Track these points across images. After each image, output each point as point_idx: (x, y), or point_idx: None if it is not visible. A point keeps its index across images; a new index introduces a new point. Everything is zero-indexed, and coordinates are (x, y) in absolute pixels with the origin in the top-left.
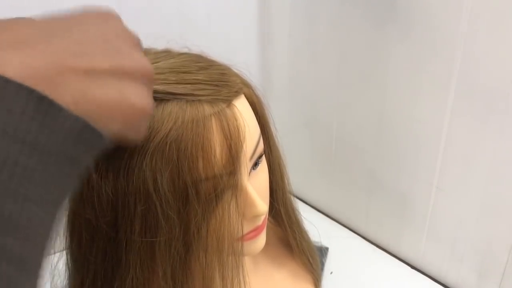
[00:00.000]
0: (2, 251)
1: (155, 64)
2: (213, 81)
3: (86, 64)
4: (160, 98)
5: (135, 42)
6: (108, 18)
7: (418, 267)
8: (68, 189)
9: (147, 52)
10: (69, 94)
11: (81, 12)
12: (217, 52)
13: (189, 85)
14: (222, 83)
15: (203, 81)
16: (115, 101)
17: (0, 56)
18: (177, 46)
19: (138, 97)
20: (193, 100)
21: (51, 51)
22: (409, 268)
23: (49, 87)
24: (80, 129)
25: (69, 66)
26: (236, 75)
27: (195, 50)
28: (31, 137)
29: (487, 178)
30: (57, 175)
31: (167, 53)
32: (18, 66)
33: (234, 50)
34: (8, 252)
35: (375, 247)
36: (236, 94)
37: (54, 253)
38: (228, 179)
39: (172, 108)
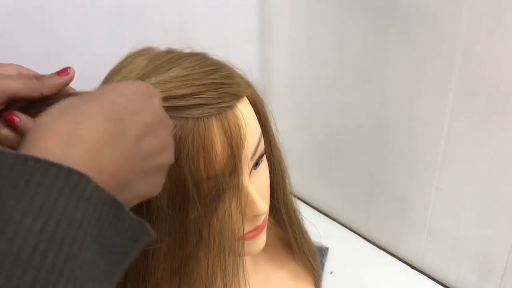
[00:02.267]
0: None
1: (161, 75)
2: (220, 87)
3: (145, 166)
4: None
5: (170, 127)
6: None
7: (418, 267)
8: (118, 278)
9: (151, 55)
10: (132, 192)
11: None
12: (217, 52)
13: (198, 97)
14: (228, 88)
15: (211, 87)
16: (152, 192)
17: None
18: (177, 46)
19: (159, 187)
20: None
21: (123, 153)
22: (409, 268)
23: (121, 189)
24: (139, 229)
25: (137, 167)
26: (240, 76)
27: (196, 50)
28: (105, 239)
29: (487, 178)
30: (114, 271)
31: (172, 55)
32: (102, 171)
33: (234, 50)
34: None
35: (375, 247)
36: (240, 98)
37: None
38: (229, 178)
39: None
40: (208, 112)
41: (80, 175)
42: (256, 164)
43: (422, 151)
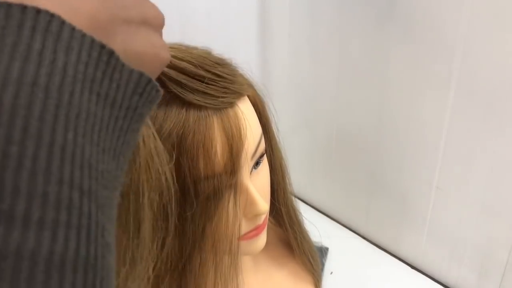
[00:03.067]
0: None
1: (177, 55)
2: (225, 82)
3: (126, 14)
4: (170, 91)
5: None
6: None
7: (418, 267)
8: (133, 144)
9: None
10: (118, 44)
11: None
12: (217, 52)
13: (204, 84)
14: (230, 85)
15: (217, 80)
16: (148, 52)
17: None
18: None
19: (162, 48)
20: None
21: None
22: (409, 268)
23: (105, 36)
24: (141, 80)
25: (117, 15)
26: (242, 76)
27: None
28: (103, 90)
29: (487, 178)
30: (125, 129)
31: (181, 45)
32: (78, 12)
33: (234, 50)
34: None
35: (375, 247)
36: (241, 96)
37: None
38: (228, 178)
39: (175, 107)
40: (209, 104)
41: (51, 15)
42: (257, 163)
43: (422, 151)
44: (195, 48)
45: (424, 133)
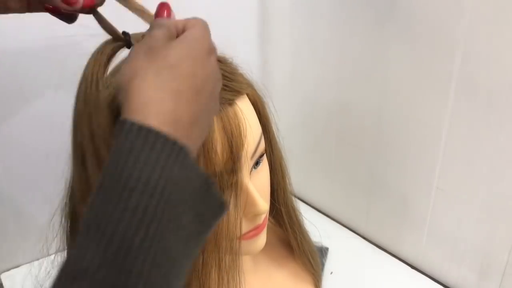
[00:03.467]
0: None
1: None
2: (225, 78)
3: (207, 108)
4: None
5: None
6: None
7: (418, 267)
8: (199, 249)
9: None
10: (201, 132)
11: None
12: (217, 52)
13: None
14: (229, 82)
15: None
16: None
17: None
18: None
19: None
20: None
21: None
22: (409, 268)
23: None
24: (222, 207)
25: (202, 117)
26: (242, 75)
27: None
28: (200, 211)
29: (487, 178)
30: (201, 240)
31: None
32: (170, 119)
33: (234, 50)
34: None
35: (375, 247)
36: (240, 94)
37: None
38: (228, 177)
39: None
40: None
41: (188, 151)
42: (257, 163)
43: (422, 151)
44: None
45: (424, 133)
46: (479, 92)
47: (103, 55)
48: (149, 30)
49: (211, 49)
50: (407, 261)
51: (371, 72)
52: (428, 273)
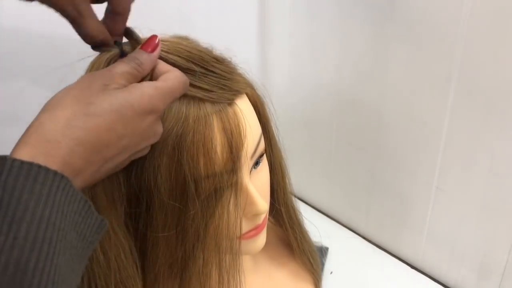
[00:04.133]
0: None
1: (177, 46)
2: (220, 79)
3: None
4: None
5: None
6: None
7: (418, 267)
8: (85, 262)
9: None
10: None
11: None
12: (217, 52)
13: (198, 78)
14: (227, 82)
15: (212, 76)
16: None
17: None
18: None
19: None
20: (198, 98)
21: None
22: (409, 268)
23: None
24: (101, 224)
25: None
26: (241, 75)
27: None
28: (81, 230)
29: (487, 178)
30: (84, 255)
31: (185, 39)
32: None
33: (234, 50)
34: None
35: (375, 247)
36: (239, 93)
37: None
38: (228, 177)
39: (175, 107)
40: (206, 96)
41: (65, 178)
42: (256, 163)
43: (422, 151)
44: (195, 44)
45: (424, 133)
46: (479, 92)
47: (100, 65)
48: (117, 62)
49: (154, 110)
50: (407, 261)
51: (371, 72)
52: (428, 273)
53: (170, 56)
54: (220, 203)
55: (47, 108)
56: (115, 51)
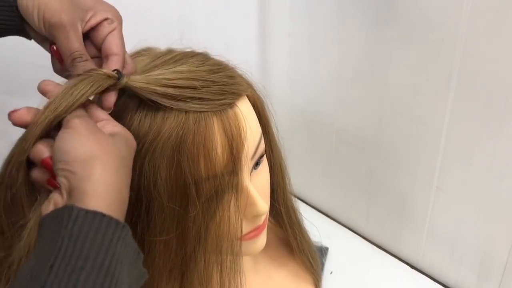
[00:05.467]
0: None
1: (166, 70)
2: (222, 86)
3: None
4: (166, 105)
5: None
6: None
7: (418, 267)
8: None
9: (152, 54)
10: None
11: None
12: (217, 52)
13: (198, 91)
14: (229, 87)
15: (213, 86)
16: None
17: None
18: (177, 46)
19: None
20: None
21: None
22: (409, 268)
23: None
24: (144, 275)
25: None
26: (241, 76)
27: (197, 50)
28: (130, 280)
29: (487, 178)
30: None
31: (173, 54)
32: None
33: (234, 50)
34: None
35: (375, 247)
36: (240, 96)
37: None
38: (229, 178)
39: (174, 110)
40: (208, 108)
41: (128, 229)
42: (257, 164)
43: (422, 151)
44: (192, 55)
45: (424, 133)
46: (479, 92)
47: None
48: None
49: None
50: (407, 261)
51: (371, 72)
52: (428, 273)
53: (173, 81)
54: (221, 205)
55: (80, 160)
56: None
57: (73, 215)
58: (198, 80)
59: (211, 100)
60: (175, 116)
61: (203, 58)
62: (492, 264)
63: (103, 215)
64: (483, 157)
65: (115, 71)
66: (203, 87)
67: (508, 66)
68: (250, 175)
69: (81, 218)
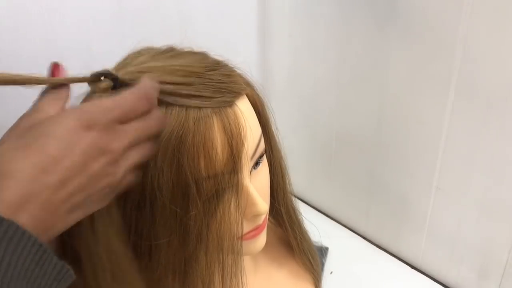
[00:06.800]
0: None
1: (167, 63)
2: (219, 83)
3: (72, 201)
4: (165, 101)
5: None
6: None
7: (418, 267)
8: None
9: (152, 54)
10: (64, 224)
11: None
12: (217, 52)
13: (195, 87)
14: (226, 85)
15: (210, 83)
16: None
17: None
18: (177, 46)
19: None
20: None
21: (45, 206)
22: (409, 268)
23: (49, 227)
24: (62, 271)
25: (60, 210)
26: (240, 75)
27: (197, 50)
28: (34, 278)
29: (487, 178)
30: None
31: (173, 52)
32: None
33: (234, 50)
34: None
35: (375, 247)
36: (239, 95)
37: None
38: (229, 178)
39: (175, 110)
40: (207, 104)
41: (11, 223)
42: (256, 164)
43: (422, 151)
44: (190, 53)
45: (424, 133)
46: (479, 92)
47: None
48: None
49: (90, 125)
50: (407, 261)
51: (371, 72)
52: (428, 273)
53: (168, 77)
54: (221, 204)
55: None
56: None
57: None
58: (194, 76)
59: (209, 97)
60: (175, 115)
61: (201, 56)
62: (492, 264)
63: None
64: (483, 157)
65: (102, 75)
66: (199, 83)
67: (508, 66)
68: (250, 174)
69: None
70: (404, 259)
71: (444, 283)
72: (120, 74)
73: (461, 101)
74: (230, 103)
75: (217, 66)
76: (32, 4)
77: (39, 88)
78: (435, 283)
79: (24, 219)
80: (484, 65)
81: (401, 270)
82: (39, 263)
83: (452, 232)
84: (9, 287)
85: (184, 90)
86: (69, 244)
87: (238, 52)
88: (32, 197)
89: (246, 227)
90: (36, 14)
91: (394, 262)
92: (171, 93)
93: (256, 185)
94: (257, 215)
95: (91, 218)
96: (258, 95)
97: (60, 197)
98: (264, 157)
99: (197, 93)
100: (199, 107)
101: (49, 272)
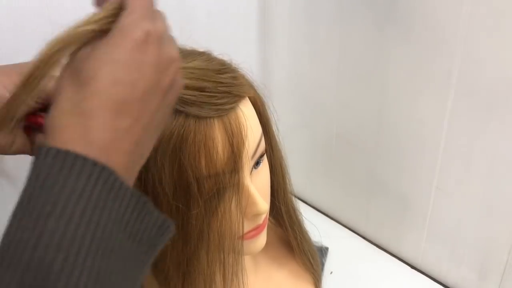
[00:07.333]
0: None
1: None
2: (228, 87)
3: (155, 127)
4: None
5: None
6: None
7: (418, 267)
8: (147, 269)
9: None
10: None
11: None
12: (217, 52)
13: (202, 94)
14: (233, 89)
15: (217, 86)
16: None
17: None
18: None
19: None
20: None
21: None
22: (409, 268)
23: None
24: (164, 224)
25: (147, 140)
26: (243, 77)
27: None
28: (135, 231)
29: (487, 178)
30: (146, 260)
31: (181, 53)
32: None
33: (234, 50)
34: None
35: (375, 247)
36: (242, 97)
37: None
38: (230, 177)
39: (175, 110)
40: (210, 114)
41: (111, 171)
42: (257, 163)
43: (422, 151)
44: (198, 54)
45: (424, 133)
46: (479, 92)
47: None
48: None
49: (149, 38)
50: (407, 261)
51: (371, 72)
52: (428, 273)
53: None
54: (222, 203)
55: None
56: None
57: (41, 155)
58: (208, 81)
59: (214, 104)
60: (176, 115)
61: (208, 57)
62: (492, 264)
63: (75, 156)
64: (483, 157)
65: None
66: (210, 88)
67: (508, 66)
68: (251, 174)
69: (50, 158)
70: (404, 259)
71: (444, 283)
72: None
73: (461, 101)
74: (233, 107)
75: (225, 68)
76: (32, 3)
77: None
78: (435, 283)
79: (114, 163)
80: (484, 65)
81: (401, 270)
82: (139, 215)
83: (452, 232)
84: (108, 238)
85: (194, 96)
86: None
87: (238, 52)
88: (118, 136)
89: (247, 227)
90: (37, 14)
91: (394, 262)
92: (179, 99)
93: (257, 184)
94: (257, 215)
95: None
96: (259, 95)
97: (139, 129)
98: (265, 157)
99: (203, 100)
100: (202, 108)
101: (150, 225)
